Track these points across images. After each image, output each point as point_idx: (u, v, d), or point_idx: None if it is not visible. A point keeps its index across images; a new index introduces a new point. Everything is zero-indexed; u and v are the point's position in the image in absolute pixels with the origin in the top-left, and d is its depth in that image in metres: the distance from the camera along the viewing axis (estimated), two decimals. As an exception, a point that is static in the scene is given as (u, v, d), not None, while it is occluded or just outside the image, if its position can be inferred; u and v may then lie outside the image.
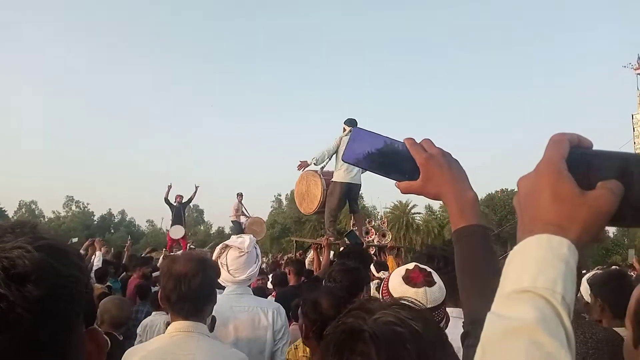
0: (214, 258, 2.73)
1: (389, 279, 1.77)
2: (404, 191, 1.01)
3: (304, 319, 2.18)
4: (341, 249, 6.47)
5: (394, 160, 1.00)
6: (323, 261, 6.01)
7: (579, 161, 0.63)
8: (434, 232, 46.85)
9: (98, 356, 0.66)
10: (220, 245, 2.84)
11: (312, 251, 7.08)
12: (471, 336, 0.97)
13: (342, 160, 1.04)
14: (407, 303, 0.84)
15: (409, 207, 44.44)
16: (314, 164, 7.65)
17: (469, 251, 0.98)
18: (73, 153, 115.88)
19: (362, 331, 0.76)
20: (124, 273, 8.38)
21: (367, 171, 1.11)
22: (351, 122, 7.50)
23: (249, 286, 2.86)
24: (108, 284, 6.96)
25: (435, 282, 1.68)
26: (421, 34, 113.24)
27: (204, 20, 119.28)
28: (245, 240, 2.77)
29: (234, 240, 2.81)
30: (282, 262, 10.46)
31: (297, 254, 8.97)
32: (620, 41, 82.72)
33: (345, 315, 0.83)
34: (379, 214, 41.77)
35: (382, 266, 6.33)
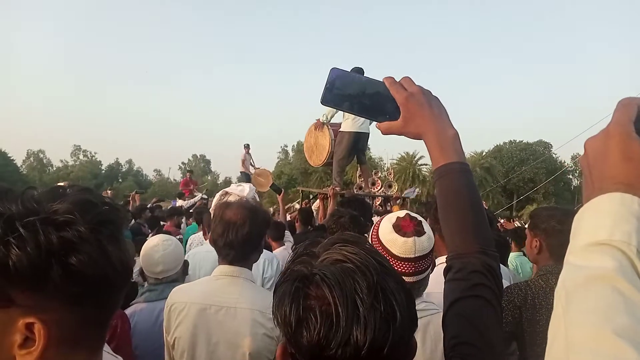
0: (213, 204, 2.78)
1: (379, 224, 1.76)
2: (385, 132, 1.00)
3: None
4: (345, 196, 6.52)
5: (374, 101, 0.98)
6: (329, 210, 6.07)
7: None
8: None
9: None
10: (220, 192, 2.89)
11: (318, 200, 7.14)
12: (453, 269, 1.00)
13: (320, 102, 1.01)
14: (348, 238, 0.84)
15: (415, 159, 44.23)
16: (325, 120, 7.61)
17: (450, 188, 0.99)
18: (80, 102, 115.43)
19: (313, 275, 0.77)
20: (133, 221, 8.56)
21: (346, 112, 1.06)
22: (356, 71, 7.24)
23: None
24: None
25: (425, 232, 1.68)
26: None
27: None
28: (245, 188, 2.82)
29: (234, 188, 2.86)
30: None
31: (303, 203, 9.06)
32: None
33: (293, 264, 0.84)
34: (386, 165, 41.74)
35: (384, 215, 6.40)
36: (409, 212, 1.77)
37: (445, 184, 0.99)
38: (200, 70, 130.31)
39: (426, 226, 1.74)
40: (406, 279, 1.62)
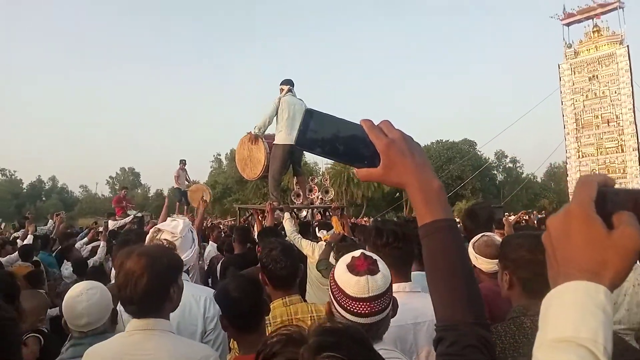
0: (146, 242, 2.55)
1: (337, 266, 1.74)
2: (364, 179, 0.94)
3: (221, 312, 2.12)
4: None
5: (350, 146, 0.92)
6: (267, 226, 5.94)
7: (604, 201, 0.63)
8: (373, 185, 47.84)
9: None
10: (153, 229, 2.65)
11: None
12: (445, 342, 0.93)
13: (295, 144, 0.94)
14: (328, 328, 0.77)
15: (349, 162, 44.55)
16: (258, 132, 7.42)
17: (438, 249, 0.94)
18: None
19: None
20: (60, 247, 7.98)
21: (322, 157, 1.02)
22: (287, 82, 7.31)
23: (186, 271, 2.65)
24: (35, 259, 6.54)
25: (379, 271, 1.67)
26: None
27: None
28: (179, 224, 2.59)
29: (167, 224, 2.62)
30: (223, 227, 10.34)
31: (241, 220, 8.84)
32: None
33: None
34: (321, 169, 41.99)
35: (326, 226, 6.40)
36: (364, 251, 1.76)
37: (433, 245, 0.94)
38: (128, 80, 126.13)
39: (381, 265, 1.71)
40: (363, 320, 1.59)
